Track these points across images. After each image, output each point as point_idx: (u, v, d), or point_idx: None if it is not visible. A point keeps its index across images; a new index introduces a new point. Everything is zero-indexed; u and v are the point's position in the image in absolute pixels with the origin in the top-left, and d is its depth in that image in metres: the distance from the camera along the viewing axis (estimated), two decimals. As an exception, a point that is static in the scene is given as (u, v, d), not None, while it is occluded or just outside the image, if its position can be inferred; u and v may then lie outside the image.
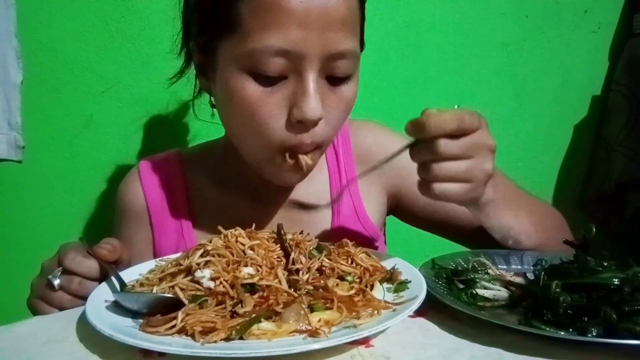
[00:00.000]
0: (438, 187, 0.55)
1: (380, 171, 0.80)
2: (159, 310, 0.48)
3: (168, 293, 0.51)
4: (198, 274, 0.51)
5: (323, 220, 0.79)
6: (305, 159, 0.64)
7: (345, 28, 0.59)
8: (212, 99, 0.72)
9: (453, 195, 0.55)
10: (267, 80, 0.59)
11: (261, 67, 0.58)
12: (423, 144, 0.54)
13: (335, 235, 0.74)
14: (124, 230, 0.82)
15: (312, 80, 0.59)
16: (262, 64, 0.58)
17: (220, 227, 0.59)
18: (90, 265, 0.57)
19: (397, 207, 0.86)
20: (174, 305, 0.48)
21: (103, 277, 0.58)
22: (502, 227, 0.68)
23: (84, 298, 0.55)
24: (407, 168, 0.69)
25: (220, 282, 0.50)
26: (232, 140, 0.71)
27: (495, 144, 0.56)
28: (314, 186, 0.80)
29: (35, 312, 0.59)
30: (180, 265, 0.54)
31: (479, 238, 0.72)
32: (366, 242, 0.77)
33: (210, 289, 0.50)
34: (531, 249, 0.69)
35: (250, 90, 0.60)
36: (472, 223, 0.77)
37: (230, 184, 0.79)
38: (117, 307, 0.51)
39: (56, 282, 0.57)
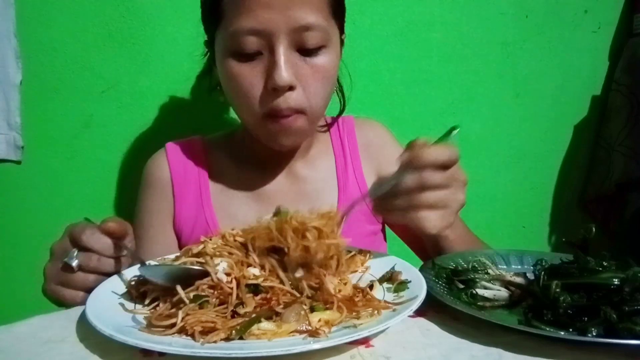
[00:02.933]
0: (423, 215, 0.57)
1: (377, 161, 0.91)
2: (184, 283, 0.49)
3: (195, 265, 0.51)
4: (216, 261, 0.51)
5: (330, 194, 0.88)
6: (287, 122, 0.72)
7: (306, 5, 0.69)
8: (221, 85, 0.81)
9: (433, 222, 0.58)
10: (245, 57, 0.71)
11: (239, 47, 0.70)
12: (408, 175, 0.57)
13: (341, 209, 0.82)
14: (147, 201, 0.88)
15: (281, 54, 0.69)
16: (239, 44, 0.70)
17: (220, 228, 0.60)
18: (107, 242, 0.58)
19: None
20: (197, 277, 0.49)
21: (117, 254, 0.58)
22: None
23: (105, 274, 0.57)
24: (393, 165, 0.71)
25: (231, 279, 0.50)
26: (235, 112, 0.80)
27: (467, 178, 0.60)
28: (322, 168, 0.90)
29: (56, 300, 0.58)
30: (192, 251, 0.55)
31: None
32: (369, 219, 0.87)
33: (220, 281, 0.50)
34: None
35: (234, 67, 0.72)
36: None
37: (247, 161, 0.88)
38: (117, 307, 0.51)
39: (74, 262, 0.55)
